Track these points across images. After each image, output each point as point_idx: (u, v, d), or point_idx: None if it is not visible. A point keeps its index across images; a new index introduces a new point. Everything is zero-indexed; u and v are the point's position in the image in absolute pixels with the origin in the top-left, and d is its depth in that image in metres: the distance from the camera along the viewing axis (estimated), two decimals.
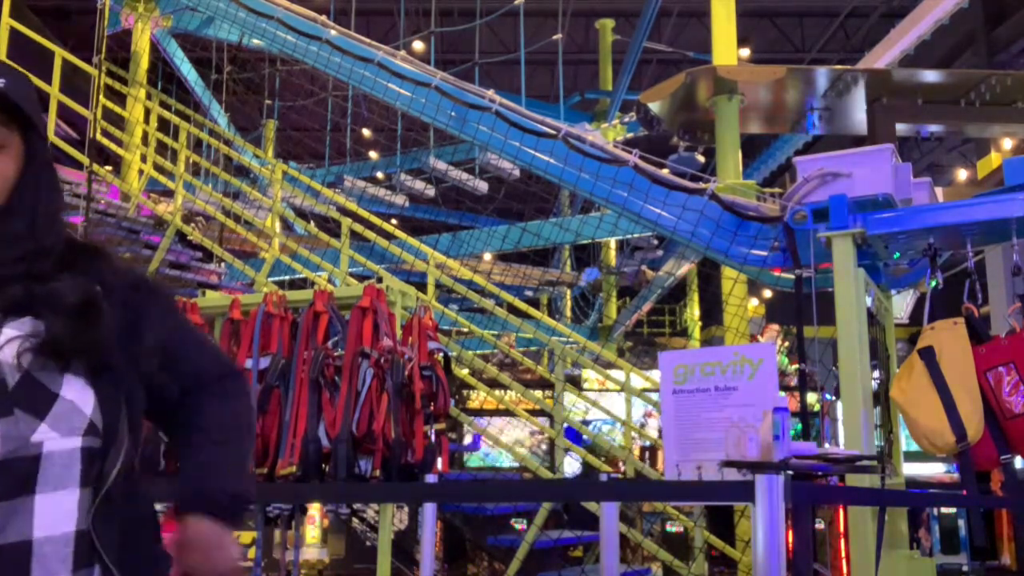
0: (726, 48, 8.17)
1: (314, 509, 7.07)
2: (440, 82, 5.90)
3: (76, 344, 1.07)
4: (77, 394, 1.07)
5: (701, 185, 4.47)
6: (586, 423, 7.95)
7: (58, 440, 1.03)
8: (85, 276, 1.14)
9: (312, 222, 8.00)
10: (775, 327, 11.36)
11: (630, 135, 11.70)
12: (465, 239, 9.73)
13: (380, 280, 4.53)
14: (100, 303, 1.12)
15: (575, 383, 9.28)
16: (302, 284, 7.16)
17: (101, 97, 6.37)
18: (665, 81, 7.94)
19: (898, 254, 3.73)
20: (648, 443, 9.06)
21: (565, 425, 6.21)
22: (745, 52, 11.67)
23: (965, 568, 7.31)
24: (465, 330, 7.55)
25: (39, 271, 1.11)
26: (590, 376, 9.95)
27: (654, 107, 7.99)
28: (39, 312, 1.09)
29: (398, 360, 4.04)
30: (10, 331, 1.07)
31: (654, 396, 7.10)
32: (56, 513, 1.02)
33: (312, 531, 7.71)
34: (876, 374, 3.82)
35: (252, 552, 4.74)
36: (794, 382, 8.17)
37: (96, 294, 1.12)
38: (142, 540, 1.14)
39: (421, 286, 6.38)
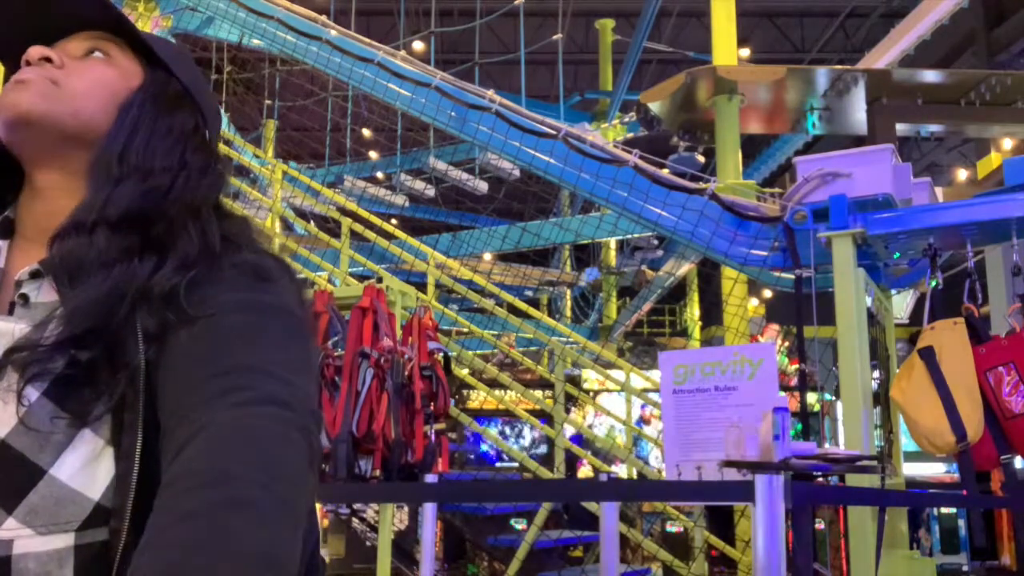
0: (726, 48, 8.18)
1: None
2: (440, 82, 5.90)
3: (82, 323, 0.75)
4: (82, 467, 0.74)
5: (701, 185, 4.47)
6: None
7: (34, 539, 0.72)
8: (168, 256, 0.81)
9: (312, 222, 8.00)
10: (775, 327, 11.36)
11: (630, 135, 11.70)
12: (465, 239, 9.73)
13: (380, 280, 4.54)
14: (121, 309, 0.76)
15: (575, 383, 9.28)
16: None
17: None
18: (665, 81, 7.94)
19: (898, 254, 3.73)
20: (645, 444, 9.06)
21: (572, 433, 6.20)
22: (745, 52, 11.66)
23: (965, 568, 7.31)
24: (465, 330, 7.55)
25: (98, 217, 0.81)
26: (590, 376, 9.96)
27: (654, 107, 7.99)
28: (68, 288, 0.78)
29: (398, 360, 4.04)
30: (4, 324, 0.78)
31: (654, 396, 7.11)
32: None
33: None
34: (876, 374, 3.82)
35: None
36: (794, 382, 8.17)
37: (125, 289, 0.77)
38: None
39: (421, 286, 6.38)
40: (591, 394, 9.35)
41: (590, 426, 9.06)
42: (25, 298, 0.81)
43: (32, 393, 0.74)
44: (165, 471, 0.69)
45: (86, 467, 0.74)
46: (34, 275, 0.82)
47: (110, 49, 0.92)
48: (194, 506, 0.62)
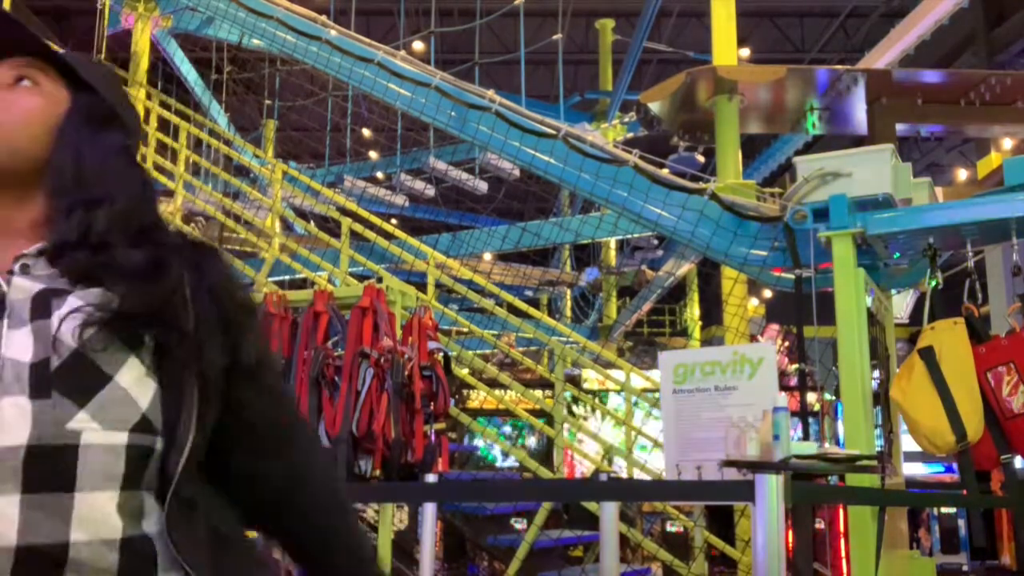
0: (726, 48, 8.16)
1: None
2: (440, 82, 5.89)
3: (145, 308, 0.93)
4: (135, 382, 0.91)
5: (701, 185, 4.46)
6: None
7: (99, 432, 0.88)
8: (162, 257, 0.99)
9: (312, 222, 8.00)
10: (775, 327, 11.36)
11: (630, 135, 11.69)
12: (465, 239, 9.72)
13: (380, 280, 4.54)
14: (170, 265, 0.97)
15: (575, 383, 9.29)
16: (302, 284, 7.16)
17: None
18: (665, 81, 7.92)
19: (898, 254, 3.73)
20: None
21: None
22: (745, 52, 11.66)
23: (965, 568, 7.31)
24: (465, 330, 7.55)
25: (97, 233, 0.96)
26: (590, 376, 9.96)
27: (654, 107, 7.98)
28: (106, 281, 0.94)
29: (398, 360, 4.04)
30: (75, 300, 0.93)
31: (654, 396, 7.11)
32: (97, 516, 0.87)
33: None
34: (876, 374, 3.82)
35: None
36: (794, 382, 8.17)
37: (166, 258, 0.97)
38: (231, 549, 1.00)
39: (421, 286, 6.38)
40: (593, 395, 9.34)
41: (584, 420, 9.05)
42: (26, 268, 0.94)
43: (94, 327, 0.90)
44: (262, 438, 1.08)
45: (138, 382, 0.91)
46: (40, 253, 0.96)
47: (37, 76, 1.01)
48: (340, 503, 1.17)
